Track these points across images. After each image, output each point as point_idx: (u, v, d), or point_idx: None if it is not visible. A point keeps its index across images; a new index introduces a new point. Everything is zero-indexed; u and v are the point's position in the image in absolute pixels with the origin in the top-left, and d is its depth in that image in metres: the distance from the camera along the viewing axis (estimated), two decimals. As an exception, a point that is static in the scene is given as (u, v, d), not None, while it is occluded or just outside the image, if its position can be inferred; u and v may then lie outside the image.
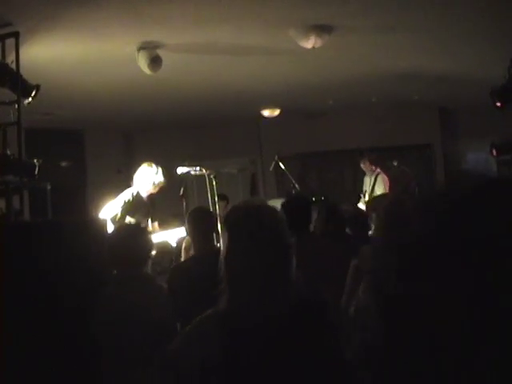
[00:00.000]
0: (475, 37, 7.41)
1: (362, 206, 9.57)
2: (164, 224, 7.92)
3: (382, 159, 10.23)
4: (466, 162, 13.74)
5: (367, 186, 10.05)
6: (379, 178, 9.81)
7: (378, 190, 9.66)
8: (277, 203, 8.88)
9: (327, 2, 5.93)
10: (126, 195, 7.03)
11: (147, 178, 7.06)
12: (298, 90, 9.98)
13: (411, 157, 12.68)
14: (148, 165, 7.15)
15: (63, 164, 12.37)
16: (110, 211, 6.85)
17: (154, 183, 7.08)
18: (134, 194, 7.05)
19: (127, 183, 7.35)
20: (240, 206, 2.47)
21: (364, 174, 10.30)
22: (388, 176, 9.92)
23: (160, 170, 7.14)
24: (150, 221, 7.34)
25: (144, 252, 4.25)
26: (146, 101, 9.97)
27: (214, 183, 7.19)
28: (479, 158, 13.60)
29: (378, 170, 9.93)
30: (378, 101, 11.13)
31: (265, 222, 2.32)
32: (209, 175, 7.20)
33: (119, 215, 6.84)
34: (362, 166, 10.24)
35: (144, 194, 7.13)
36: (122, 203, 6.94)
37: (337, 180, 12.84)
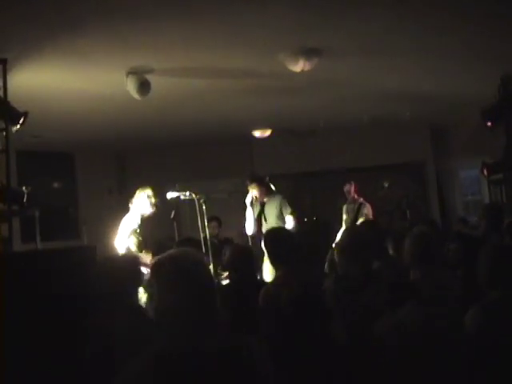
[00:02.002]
0: (465, 56, 7.43)
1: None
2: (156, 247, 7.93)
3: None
4: (457, 180, 13.76)
5: (348, 214, 10.06)
6: (363, 208, 9.81)
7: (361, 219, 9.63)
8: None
9: (316, 26, 5.92)
10: (132, 224, 7.28)
11: (147, 200, 7.34)
12: (289, 111, 9.99)
13: (403, 175, 12.68)
14: (146, 188, 7.44)
15: (54, 185, 12.33)
16: (124, 242, 7.14)
17: (155, 205, 7.38)
18: (139, 223, 7.35)
19: (121, 204, 7.46)
20: (167, 256, 2.64)
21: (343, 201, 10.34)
22: (371, 205, 9.92)
23: (155, 192, 7.47)
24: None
25: (133, 282, 4.22)
26: (137, 123, 9.94)
27: (204, 207, 7.22)
28: (471, 176, 13.64)
29: (361, 199, 9.92)
30: (369, 120, 11.11)
31: (191, 269, 2.53)
32: (198, 200, 7.25)
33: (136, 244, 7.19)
34: (345, 189, 10.24)
35: (145, 216, 7.40)
36: (132, 231, 7.24)
37: (329, 200, 12.78)
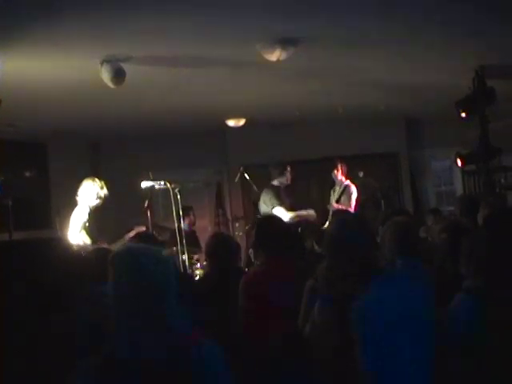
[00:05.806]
0: (440, 48, 7.46)
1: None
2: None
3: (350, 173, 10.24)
4: (430, 170, 13.85)
5: (334, 195, 10.05)
6: (347, 190, 9.81)
7: (344, 201, 9.66)
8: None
9: (293, 15, 5.91)
10: (82, 216, 7.32)
11: (93, 193, 7.38)
12: (264, 101, 9.96)
13: (377, 166, 12.72)
14: (92, 180, 7.51)
15: (26, 175, 12.20)
16: (76, 234, 7.16)
17: (100, 197, 7.41)
18: (89, 213, 7.39)
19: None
20: (121, 252, 2.53)
21: (331, 185, 10.28)
22: (357, 188, 9.91)
23: (103, 183, 7.52)
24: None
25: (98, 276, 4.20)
26: (111, 112, 9.86)
27: (179, 197, 7.22)
28: (443, 166, 13.77)
29: (348, 182, 9.92)
30: (344, 111, 11.13)
31: (144, 267, 2.38)
32: (173, 189, 7.24)
33: (87, 237, 7.23)
34: (333, 174, 10.16)
35: (92, 207, 7.44)
36: (82, 224, 7.27)
37: (303, 190, 12.79)
